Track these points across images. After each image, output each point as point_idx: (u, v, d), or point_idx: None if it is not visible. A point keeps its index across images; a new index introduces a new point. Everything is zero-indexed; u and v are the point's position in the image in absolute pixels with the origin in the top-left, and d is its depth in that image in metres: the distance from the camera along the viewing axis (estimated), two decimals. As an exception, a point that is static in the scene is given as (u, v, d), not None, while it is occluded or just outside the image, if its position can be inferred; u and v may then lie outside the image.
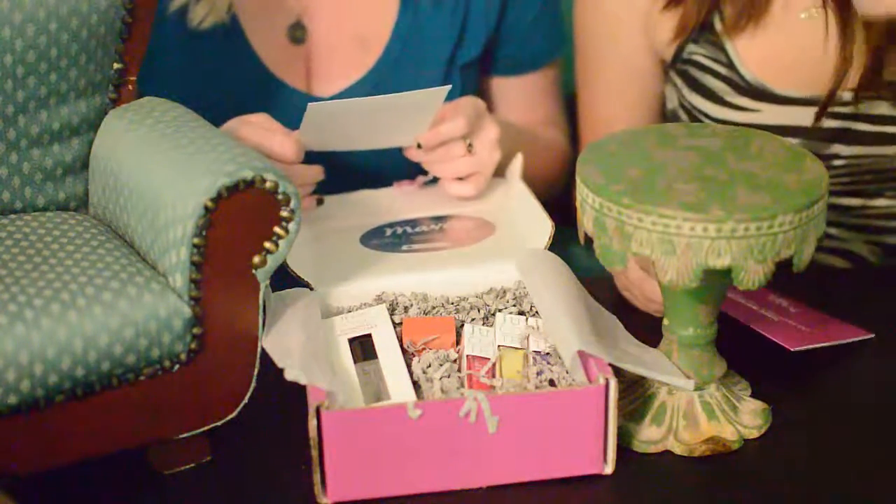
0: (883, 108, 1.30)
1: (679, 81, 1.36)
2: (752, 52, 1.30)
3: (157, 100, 1.10)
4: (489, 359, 1.04)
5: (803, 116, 1.30)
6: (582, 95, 1.46)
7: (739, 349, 1.10)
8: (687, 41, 1.33)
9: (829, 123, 1.30)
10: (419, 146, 1.26)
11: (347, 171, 1.35)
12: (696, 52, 1.33)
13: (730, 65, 1.31)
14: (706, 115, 1.34)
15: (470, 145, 1.27)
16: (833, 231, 1.40)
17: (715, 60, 1.32)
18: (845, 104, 1.29)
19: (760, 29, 1.29)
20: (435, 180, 1.32)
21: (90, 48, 1.06)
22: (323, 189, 1.29)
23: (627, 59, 1.39)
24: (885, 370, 1.13)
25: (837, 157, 1.32)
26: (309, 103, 1.18)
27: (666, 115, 1.44)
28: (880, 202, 1.37)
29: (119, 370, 0.95)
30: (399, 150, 1.30)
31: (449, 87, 1.22)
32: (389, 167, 1.36)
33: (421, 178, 1.34)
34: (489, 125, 1.28)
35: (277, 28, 1.41)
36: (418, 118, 1.25)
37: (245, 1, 1.39)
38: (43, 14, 1.03)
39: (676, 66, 1.35)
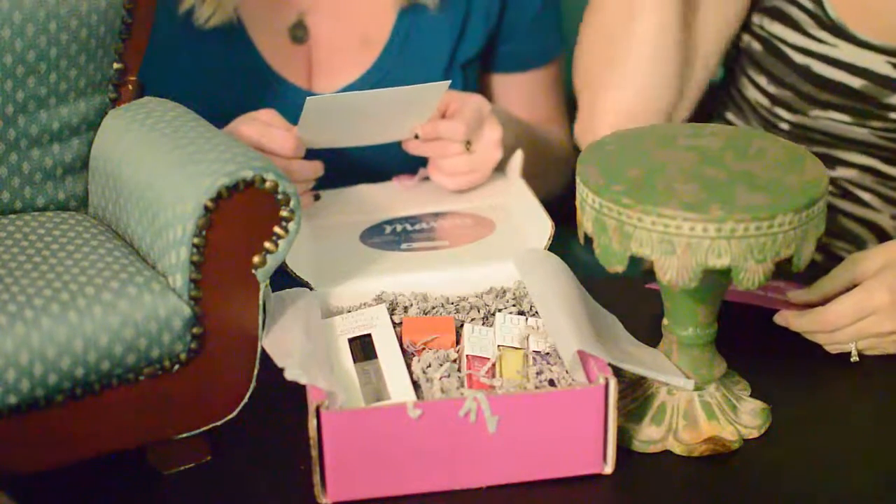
0: None
1: (759, 18, 1.38)
2: None
3: (157, 100, 1.10)
4: (489, 359, 1.04)
5: (876, 62, 1.32)
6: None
7: (739, 349, 1.10)
8: None
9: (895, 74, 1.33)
10: (416, 137, 1.27)
11: (347, 166, 1.35)
12: None
13: (817, 1, 1.33)
14: (783, 42, 1.36)
15: (469, 144, 1.27)
16: (866, 197, 1.42)
17: None
18: None
19: None
20: None
21: (90, 48, 1.06)
22: (322, 184, 1.29)
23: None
24: (885, 371, 1.13)
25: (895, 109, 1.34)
26: (308, 97, 1.18)
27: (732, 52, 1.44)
28: None
29: (119, 370, 0.95)
30: (398, 145, 1.30)
31: (448, 82, 1.23)
32: (389, 162, 1.36)
33: (422, 171, 1.34)
34: (492, 126, 1.28)
35: (279, 27, 1.41)
36: (418, 113, 1.25)
37: (248, 0, 1.39)
38: (43, 14, 1.03)
39: (764, 3, 1.37)
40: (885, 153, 1.38)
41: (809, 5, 1.34)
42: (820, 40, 1.34)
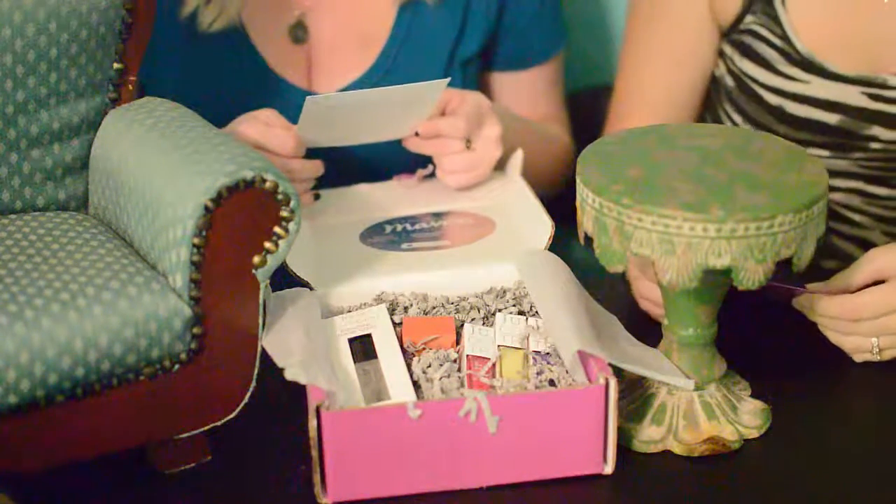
0: None
1: (730, 50, 1.38)
2: (805, 23, 1.32)
3: (157, 100, 1.10)
4: (489, 359, 1.04)
5: (850, 94, 1.32)
6: (627, 57, 1.46)
7: (739, 349, 1.10)
8: (746, 13, 1.35)
9: (872, 105, 1.32)
10: (417, 135, 1.27)
11: (347, 165, 1.35)
12: (754, 22, 1.35)
13: (784, 37, 1.33)
14: (755, 81, 1.36)
15: (469, 142, 1.27)
16: (856, 218, 1.41)
17: (771, 31, 1.34)
18: (891, 88, 1.31)
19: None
20: (434, 173, 1.32)
21: (90, 48, 1.06)
22: (322, 183, 1.29)
23: (684, 18, 1.39)
24: (886, 371, 1.13)
25: (875, 139, 1.34)
26: (307, 97, 1.19)
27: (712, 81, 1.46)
28: None
29: (119, 370, 0.95)
30: (399, 143, 1.30)
31: (448, 80, 1.23)
32: (389, 160, 1.36)
33: (421, 172, 1.34)
34: (491, 123, 1.28)
35: (279, 27, 1.41)
36: (417, 111, 1.25)
37: (248, 1, 1.39)
38: (43, 14, 1.03)
39: (732, 36, 1.37)
40: (867, 177, 1.38)
41: (777, 41, 1.33)
42: (791, 77, 1.33)
